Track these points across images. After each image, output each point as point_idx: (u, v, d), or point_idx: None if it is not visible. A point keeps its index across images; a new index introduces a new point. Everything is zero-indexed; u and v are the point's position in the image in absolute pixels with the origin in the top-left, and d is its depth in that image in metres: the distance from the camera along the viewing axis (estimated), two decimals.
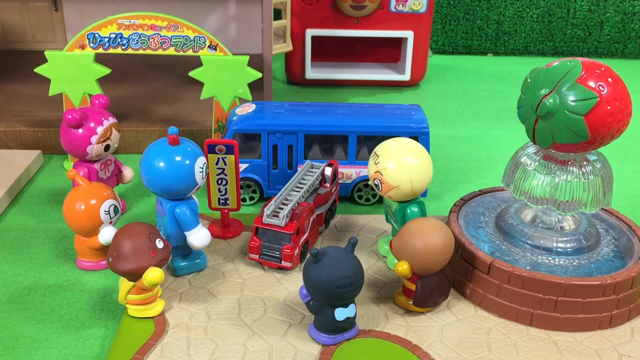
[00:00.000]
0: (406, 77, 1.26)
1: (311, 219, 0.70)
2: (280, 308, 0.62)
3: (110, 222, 0.66)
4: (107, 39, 0.84)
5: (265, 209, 0.66)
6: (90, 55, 0.85)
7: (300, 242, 0.67)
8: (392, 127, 0.79)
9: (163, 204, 0.64)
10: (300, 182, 0.72)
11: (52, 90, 0.87)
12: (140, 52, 0.85)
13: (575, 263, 0.62)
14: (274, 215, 0.66)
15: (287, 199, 0.69)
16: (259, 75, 0.86)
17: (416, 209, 0.65)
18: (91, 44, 0.84)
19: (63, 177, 0.87)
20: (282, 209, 0.67)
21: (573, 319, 0.60)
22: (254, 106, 0.82)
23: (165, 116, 1.00)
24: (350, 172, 0.81)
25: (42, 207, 0.80)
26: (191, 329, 0.59)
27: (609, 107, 0.56)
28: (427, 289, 0.60)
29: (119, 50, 0.85)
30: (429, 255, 0.58)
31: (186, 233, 0.64)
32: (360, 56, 1.32)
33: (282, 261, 0.66)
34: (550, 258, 0.63)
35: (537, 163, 0.63)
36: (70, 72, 0.85)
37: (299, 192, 0.69)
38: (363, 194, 0.82)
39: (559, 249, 0.64)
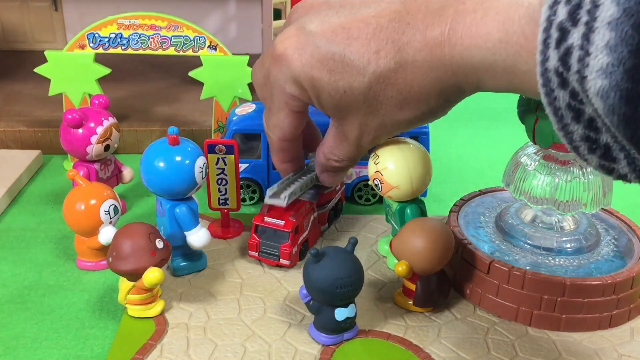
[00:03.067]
0: None
1: (312, 218, 0.70)
2: (280, 308, 0.62)
3: (110, 222, 0.66)
4: (107, 39, 0.84)
5: (267, 190, 0.65)
6: (90, 55, 0.85)
7: (300, 241, 0.67)
8: None
9: (163, 204, 0.64)
10: (306, 172, 0.70)
11: (52, 90, 0.87)
12: (140, 52, 0.85)
13: (575, 263, 0.62)
14: (275, 195, 0.65)
15: (291, 182, 0.67)
16: None
17: (416, 209, 0.65)
18: (91, 44, 0.84)
19: (63, 177, 0.87)
20: (286, 189, 0.65)
21: (573, 319, 0.60)
22: (254, 106, 0.82)
23: (165, 116, 1.00)
24: (350, 172, 0.81)
25: (42, 207, 0.80)
26: (191, 329, 0.59)
27: None
28: (427, 289, 0.60)
29: (119, 50, 0.85)
30: (429, 255, 0.58)
31: (186, 233, 0.64)
32: None
33: (281, 259, 0.66)
34: (550, 258, 0.63)
35: (537, 163, 0.63)
36: (70, 72, 0.85)
37: (304, 178, 0.68)
38: (363, 194, 0.82)
39: (559, 249, 0.64)
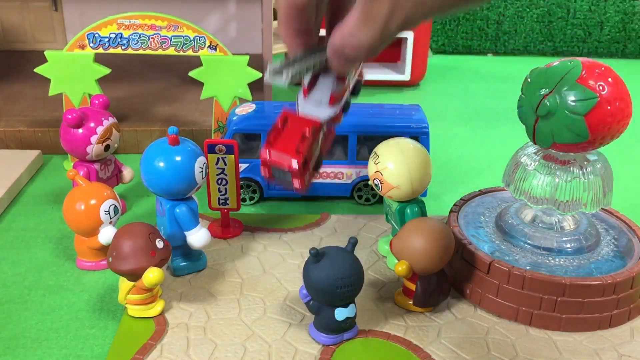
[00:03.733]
0: (406, 77, 1.26)
1: (320, 136, 0.63)
2: (280, 308, 0.62)
3: (110, 222, 0.66)
4: (107, 39, 0.84)
5: (269, 66, 0.56)
6: (90, 55, 0.85)
7: (311, 167, 0.62)
8: (392, 127, 0.79)
9: (163, 204, 0.64)
10: (316, 51, 0.59)
11: (52, 90, 0.87)
12: (140, 52, 0.85)
13: (575, 263, 0.62)
14: (276, 73, 0.56)
15: (296, 60, 0.57)
16: (259, 75, 0.86)
17: (416, 209, 0.65)
18: (91, 44, 0.84)
19: (63, 177, 0.87)
20: (289, 67, 0.56)
21: (573, 319, 0.60)
22: (254, 106, 0.82)
23: (165, 116, 1.00)
24: (350, 172, 0.81)
25: (42, 207, 0.80)
26: (191, 329, 0.59)
27: (609, 107, 0.56)
28: (427, 289, 0.60)
29: (119, 50, 0.85)
30: (429, 255, 0.58)
31: (186, 233, 0.64)
32: None
33: (294, 189, 0.61)
34: (550, 258, 0.63)
35: (537, 163, 0.63)
36: (70, 72, 0.85)
37: (313, 56, 0.57)
38: (363, 194, 0.82)
39: (559, 249, 0.64)
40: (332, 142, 0.66)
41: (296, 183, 0.62)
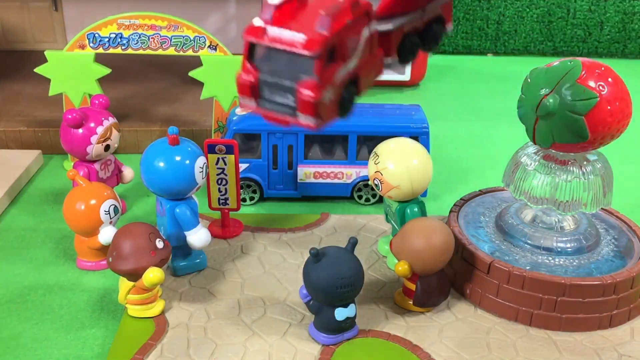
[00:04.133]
0: (406, 77, 1.26)
1: (364, 33, 0.38)
2: (280, 308, 0.62)
3: (110, 222, 0.66)
4: (107, 39, 0.84)
5: None
6: (90, 55, 0.85)
7: (340, 78, 0.36)
8: (392, 127, 0.79)
9: (163, 204, 0.64)
10: None
11: (52, 90, 0.87)
12: (140, 52, 0.85)
13: (575, 263, 0.62)
14: None
15: None
16: None
17: (416, 209, 0.65)
18: (91, 44, 0.84)
19: (63, 177, 0.87)
20: None
21: (573, 319, 0.60)
22: None
23: (165, 116, 1.00)
24: (350, 172, 0.81)
25: (42, 207, 0.80)
26: (191, 329, 0.59)
27: (609, 107, 0.56)
28: (427, 289, 0.60)
29: (119, 50, 0.85)
30: (429, 255, 0.58)
31: (186, 233, 0.64)
32: None
33: (300, 113, 0.36)
34: (550, 258, 0.63)
35: (537, 163, 0.63)
36: (70, 72, 0.85)
37: None
38: (363, 194, 0.82)
39: (559, 249, 0.64)
40: (378, 70, 0.41)
41: (306, 102, 0.34)
